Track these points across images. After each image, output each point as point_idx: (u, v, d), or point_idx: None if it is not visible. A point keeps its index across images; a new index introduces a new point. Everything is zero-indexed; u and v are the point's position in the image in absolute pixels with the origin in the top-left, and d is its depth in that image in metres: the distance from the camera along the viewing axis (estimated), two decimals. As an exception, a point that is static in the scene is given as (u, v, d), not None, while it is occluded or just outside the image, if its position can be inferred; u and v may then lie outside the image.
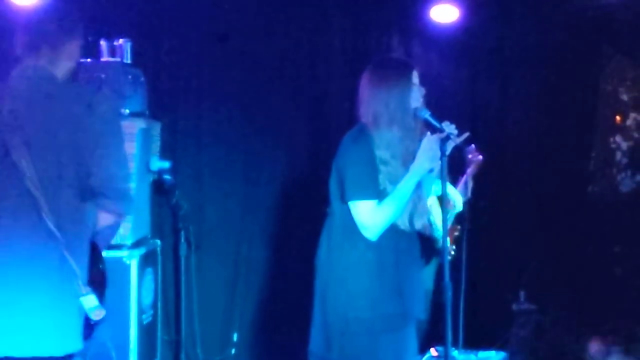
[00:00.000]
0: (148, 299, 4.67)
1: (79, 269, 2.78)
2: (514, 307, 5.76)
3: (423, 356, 4.77)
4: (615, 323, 5.68)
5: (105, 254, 3.03)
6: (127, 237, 4.43)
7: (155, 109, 5.02)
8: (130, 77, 4.64)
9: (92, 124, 2.82)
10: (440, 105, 3.60)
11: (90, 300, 2.79)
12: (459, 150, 3.30)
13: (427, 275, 4.36)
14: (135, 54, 4.74)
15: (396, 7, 5.71)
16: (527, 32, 5.84)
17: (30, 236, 2.76)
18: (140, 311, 4.50)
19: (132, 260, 4.43)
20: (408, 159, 3.24)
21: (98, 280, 2.92)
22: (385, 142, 3.25)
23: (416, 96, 3.33)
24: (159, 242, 4.97)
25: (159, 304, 4.91)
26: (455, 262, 4.18)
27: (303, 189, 5.36)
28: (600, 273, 5.89)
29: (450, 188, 3.29)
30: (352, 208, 3.24)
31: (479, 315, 4.97)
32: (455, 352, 4.45)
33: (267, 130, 5.49)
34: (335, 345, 3.29)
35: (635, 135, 6.20)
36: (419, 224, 3.37)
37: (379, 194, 3.22)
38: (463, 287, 4.12)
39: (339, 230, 3.34)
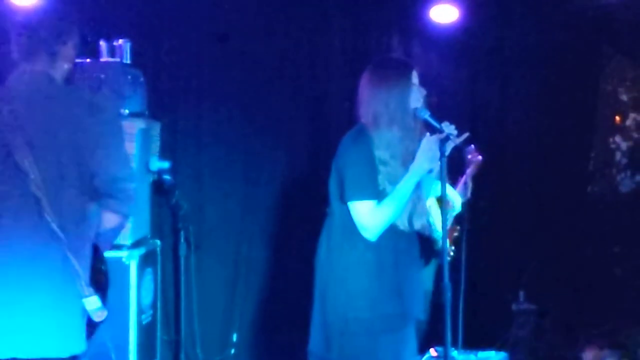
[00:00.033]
0: (148, 299, 4.67)
1: (82, 269, 2.78)
2: (514, 307, 5.77)
3: (423, 356, 4.77)
4: (613, 325, 5.68)
5: (104, 254, 3.03)
6: (126, 237, 4.43)
7: (155, 109, 5.02)
8: (129, 77, 4.64)
9: (92, 125, 2.83)
10: (440, 105, 3.61)
11: (93, 302, 2.79)
12: (458, 151, 3.30)
13: (426, 275, 4.36)
14: (134, 54, 4.74)
15: (396, 7, 5.71)
16: (527, 32, 5.84)
17: (32, 237, 2.76)
18: (140, 311, 4.50)
19: (132, 261, 4.43)
20: (407, 160, 3.23)
21: (100, 282, 2.92)
22: (384, 142, 3.25)
23: (416, 96, 3.32)
24: (158, 242, 4.97)
25: (159, 304, 4.91)
26: (455, 263, 4.18)
27: (303, 189, 5.36)
28: (600, 273, 5.90)
29: (449, 189, 3.28)
30: (352, 208, 3.24)
31: (478, 315, 4.97)
32: (454, 353, 4.45)
33: (267, 130, 5.49)
34: (334, 345, 3.29)
35: (635, 135, 6.20)
36: (418, 225, 3.37)
37: (379, 195, 3.22)
38: (462, 287, 4.12)
39: (338, 231, 3.34)
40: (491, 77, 5.96)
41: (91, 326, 2.86)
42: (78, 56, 3.04)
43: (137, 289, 4.44)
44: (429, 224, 3.51)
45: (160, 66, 5.29)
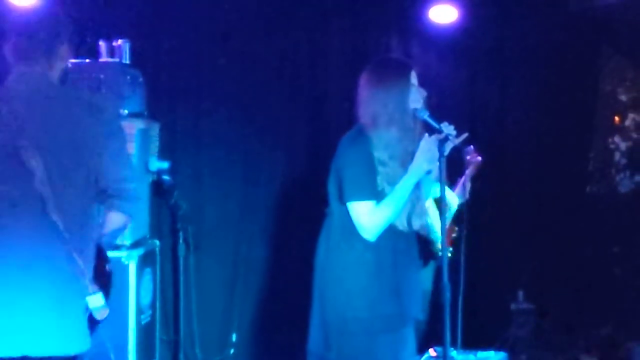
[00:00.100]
0: (147, 299, 4.67)
1: (86, 268, 2.79)
2: (513, 307, 5.77)
3: (422, 356, 4.77)
4: (611, 331, 5.69)
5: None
6: (126, 237, 4.43)
7: (154, 109, 5.02)
8: (129, 77, 4.64)
9: (92, 125, 2.83)
10: (439, 105, 3.60)
11: (97, 299, 2.80)
12: (457, 151, 3.30)
13: (425, 275, 4.37)
14: (134, 54, 4.74)
15: (395, 8, 5.72)
16: (527, 32, 5.84)
17: (36, 236, 2.76)
18: (139, 311, 4.50)
19: (131, 261, 4.43)
20: (406, 160, 3.23)
21: (104, 281, 2.93)
22: (383, 142, 3.25)
23: (415, 97, 3.32)
24: (157, 242, 4.97)
25: (158, 304, 4.91)
26: (453, 263, 4.18)
27: (302, 189, 5.36)
28: (599, 273, 5.90)
29: (446, 189, 3.28)
30: (351, 209, 3.24)
31: (477, 315, 4.98)
32: (454, 353, 4.45)
33: (266, 131, 5.49)
34: (333, 345, 3.29)
35: (634, 135, 6.20)
36: (417, 225, 3.37)
37: (377, 195, 3.22)
38: (462, 287, 4.13)
39: (337, 231, 3.34)
40: (490, 78, 5.96)
41: (91, 324, 2.87)
42: (75, 56, 3.04)
43: (136, 289, 4.44)
44: (427, 225, 3.51)
45: (160, 66, 5.29)
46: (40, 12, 3.03)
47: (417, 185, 3.26)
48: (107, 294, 2.90)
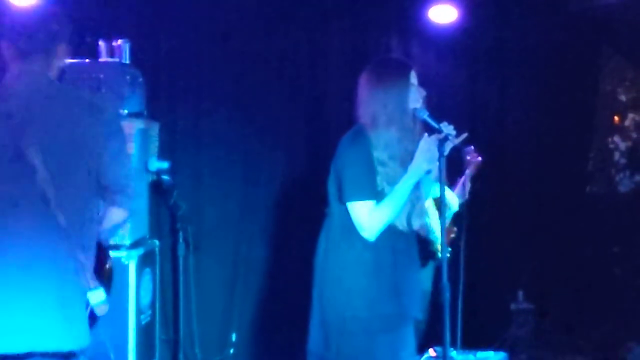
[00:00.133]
0: (146, 299, 4.67)
1: (88, 263, 2.79)
2: (513, 306, 5.78)
3: (421, 356, 4.77)
4: (608, 333, 5.70)
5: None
6: (125, 237, 4.43)
7: (154, 109, 5.02)
8: (128, 77, 4.63)
9: (92, 125, 2.83)
10: (439, 105, 3.60)
11: (98, 295, 2.80)
12: (457, 151, 3.30)
13: (425, 275, 4.36)
14: (133, 54, 4.74)
15: (395, 8, 5.72)
16: (527, 32, 5.84)
17: (39, 233, 2.76)
18: (139, 311, 4.50)
19: (131, 261, 4.43)
20: (406, 160, 3.23)
21: (105, 276, 2.94)
22: (383, 142, 3.25)
23: (415, 96, 3.32)
24: (157, 242, 4.96)
25: (157, 304, 4.91)
26: (452, 263, 4.18)
27: (302, 189, 5.36)
28: (599, 273, 5.91)
29: (446, 189, 3.28)
30: (350, 208, 3.24)
31: (477, 315, 4.98)
32: (453, 353, 4.45)
33: (266, 131, 5.49)
34: (333, 345, 3.29)
35: (634, 135, 6.21)
36: (417, 225, 3.36)
37: (377, 195, 3.22)
38: (461, 287, 4.13)
39: (337, 231, 3.34)
40: (490, 78, 5.97)
41: (91, 320, 2.87)
42: (75, 56, 3.03)
43: (136, 289, 4.44)
44: (427, 225, 3.51)
45: (160, 66, 5.29)
46: (39, 11, 3.02)
47: (417, 185, 3.26)
48: (107, 290, 2.90)
